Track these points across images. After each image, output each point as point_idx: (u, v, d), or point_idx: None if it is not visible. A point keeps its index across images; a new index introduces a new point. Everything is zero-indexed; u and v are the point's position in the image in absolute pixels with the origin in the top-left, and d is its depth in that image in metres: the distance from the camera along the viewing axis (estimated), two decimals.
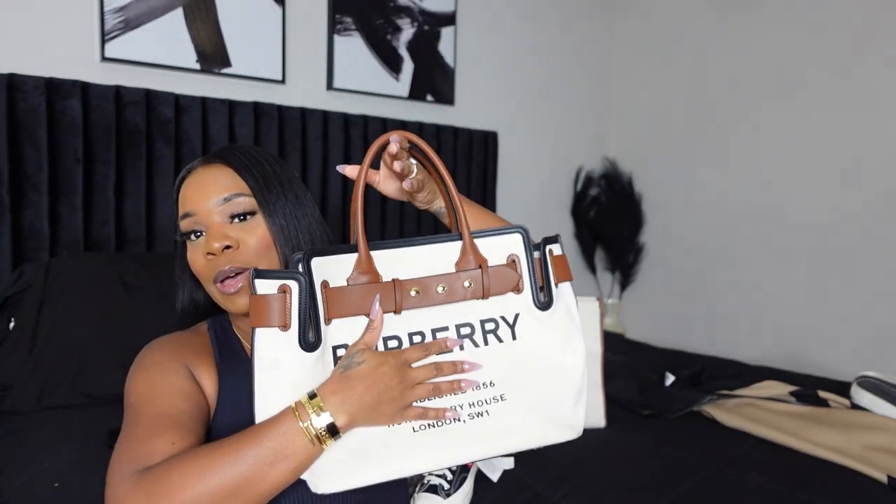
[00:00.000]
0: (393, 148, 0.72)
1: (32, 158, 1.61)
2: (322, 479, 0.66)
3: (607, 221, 3.03)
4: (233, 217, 0.80)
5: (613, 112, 3.23)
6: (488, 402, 0.73)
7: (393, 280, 0.70)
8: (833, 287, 2.45)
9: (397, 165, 0.73)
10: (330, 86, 2.19)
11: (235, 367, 0.82)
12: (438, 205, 0.84)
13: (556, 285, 0.77)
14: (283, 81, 2.07)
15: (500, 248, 0.75)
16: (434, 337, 0.71)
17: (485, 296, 0.73)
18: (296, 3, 2.10)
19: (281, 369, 0.65)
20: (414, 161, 0.78)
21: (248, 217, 0.80)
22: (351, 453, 0.66)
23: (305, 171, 2.09)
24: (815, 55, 2.48)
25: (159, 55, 1.83)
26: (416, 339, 0.71)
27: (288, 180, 0.84)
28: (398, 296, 0.69)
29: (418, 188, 0.77)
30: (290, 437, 0.62)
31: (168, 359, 0.79)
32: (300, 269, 0.66)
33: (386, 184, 0.82)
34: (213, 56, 1.93)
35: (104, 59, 1.74)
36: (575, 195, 3.07)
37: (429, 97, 2.45)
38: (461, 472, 1.07)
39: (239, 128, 1.94)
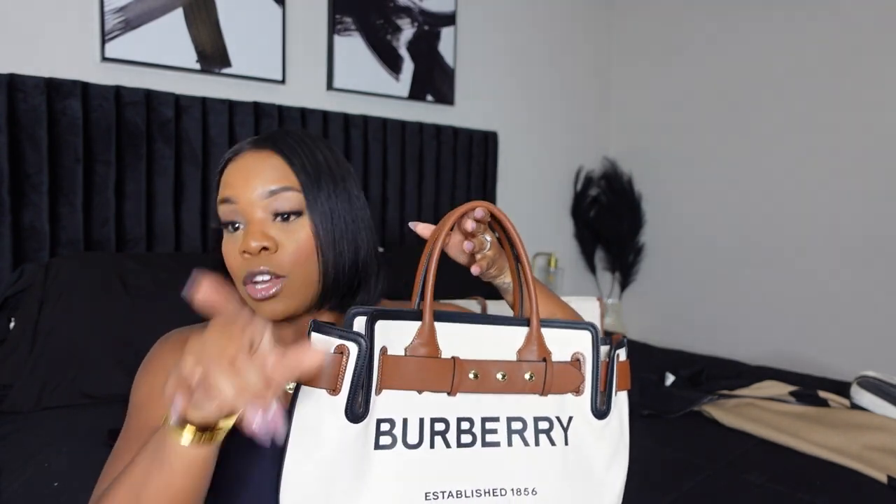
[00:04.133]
0: (468, 226, 0.67)
1: (32, 158, 1.61)
2: None
3: (607, 221, 3.03)
4: (276, 215, 0.72)
5: (613, 112, 3.23)
6: None
7: (453, 358, 0.64)
8: (833, 287, 2.45)
9: (467, 246, 0.68)
10: (330, 86, 2.19)
11: None
12: (503, 280, 0.77)
13: (616, 393, 0.70)
14: (283, 81, 2.08)
15: (565, 343, 0.69)
16: (484, 426, 0.65)
17: (544, 392, 0.67)
18: (296, 3, 2.10)
19: (320, 437, 0.58)
20: (489, 238, 0.72)
21: (293, 217, 0.73)
22: None
23: None
24: (815, 55, 2.48)
25: (159, 55, 1.83)
26: (465, 425, 0.64)
27: (342, 177, 0.76)
28: (456, 376, 0.63)
29: (487, 267, 0.72)
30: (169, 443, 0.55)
31: (176, 363, 0.75)
32: (362, 329, 0.60)
33: (454, 248, 0.74)
34: (213, 56, 1.93)
35: (104, 59, 1.74)
36: (575, 195, 3.07)
37: (429, 97, 2.45)
38: None
39: (239, 128, 1.94)
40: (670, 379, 1.84)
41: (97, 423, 1.29)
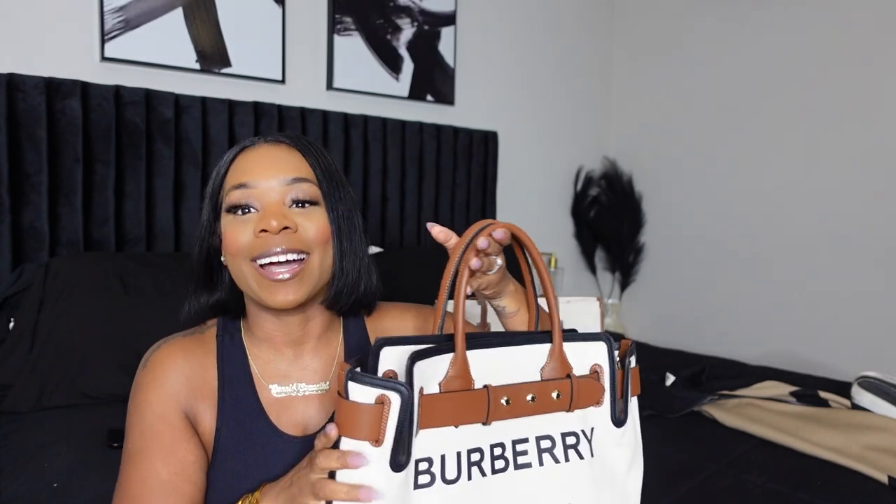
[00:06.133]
0: (482, 243, 0.64)
1: (32, 158, 1.61)
2: None
3: (607, 221, 3.03)
4: (294, 202, 0.74)
5: (613, 112, 3.23)
6: None
7: (486, 387, 0.61)
8: (833, 287, 2.45)
9: (475, 264, 0.65)
10: (330, 86, 2.19)
11: (236, 406, 0.77)
12: (500, 303, 0.76)
13: (630, 399, 0.71)
14: (283, 81, 2.07)
15: (583, 356, 0.69)
16: (514, 449, 0.64)
17: (571, 409, 0.67)
18: (296, 3, 2.10)
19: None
20: (500, 262, 0.71)
21: (309, 206, 0.74)
22: None
23: None
24: (815, 55, 2.48)
25: (159, 55, 1.83)
26: (497, 450, 0.63)
27: (345, 183, 0.80)
28: (491, 405, 0.61)
29: (485, 287, 0.71)
30: None
31: (160, 399, 0.74)
32: (396, 366, 0.58)
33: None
34: (213, 56, 1.93)
35: (104, 59, 1.74)
36: (575, 195, 3.07)
37: (429, 97, 2.45)
38: None
39: (239, 128, 1.94)
40: (670, 379, 1.84)
41: (97, 423, 1.28)
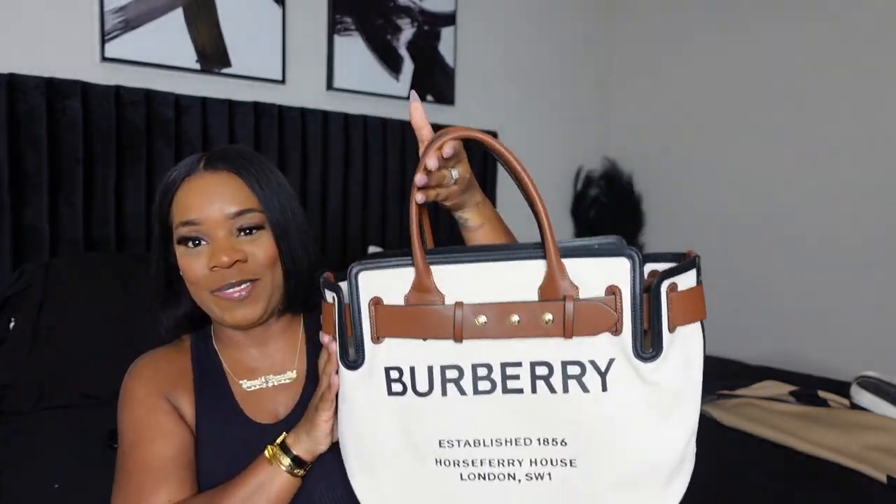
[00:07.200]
0: (431, 163, 0.61)
1: (32, 158, 1.61)
2: None
3: (607, 221, 3.03)
4: (240, 230, 0.78)
5: (613, 112, 3.23)
6: (553, 462, 0.60)
7: (455, 304, 0.59)
8: (833, 287, 2.45)
9: (420, 180, 0.61)
10: (330, 86, 2.19)
11: (213, 401, 0.82)
12: (461, 215, 0.74)
13: (673, 329, 0.57)
14: (283, 81, 2.08)
15: (599, 274, 0.57)
16: (504, 372, 0.59)
17: (567, 335, 0.57)
18: (296, 3, 2.10)
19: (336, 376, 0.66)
20: (455, 174, 0.70)
21: (255, 231, 0.78)
22: (394, 491, 0.64)
23: (305, 171, 2.09)
24: (815, 55, 2.48)
25: (159, 55, 1.83)
26: (482, 371, 0.59)
27: (289, 195, 0.83)
28: (458, 322, 0.58)
29: (444, 197, 0.70)
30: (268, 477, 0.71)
31: (147, 393, 0.80)
32: (345, 281, 0.62)
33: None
34: (213, 56, 1.93)
35: (104, 59, 1.74)
36: (575, 195, 3.07)
37: (429, 97, 2.45)
38: None
39: (239, 128, 1.94)
40: None
41: (97, 423, 1.28)
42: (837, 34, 2.41)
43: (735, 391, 1.69)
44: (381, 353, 0.61)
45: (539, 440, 0.59)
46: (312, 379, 0.84)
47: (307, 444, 0.71)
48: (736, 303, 2.74)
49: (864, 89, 2.35)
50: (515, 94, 2.80)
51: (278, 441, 0.72)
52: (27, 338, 1.44)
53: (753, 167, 2.68)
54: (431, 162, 0.61)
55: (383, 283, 0.61)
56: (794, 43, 2.53)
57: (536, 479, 0.60)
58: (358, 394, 0.63)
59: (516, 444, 0.60)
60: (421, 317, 0.59)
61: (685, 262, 0.58)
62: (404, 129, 2.33)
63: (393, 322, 0.60)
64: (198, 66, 1.90)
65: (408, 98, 2.49)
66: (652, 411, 0.58)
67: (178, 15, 1.86)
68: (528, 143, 2.87)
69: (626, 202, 3.02)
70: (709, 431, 1.50)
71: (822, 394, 1.64)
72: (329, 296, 0.64)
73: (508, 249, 0.61)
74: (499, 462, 0.61)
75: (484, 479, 0.61)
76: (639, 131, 3.11)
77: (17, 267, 1.58)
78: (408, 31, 2.37)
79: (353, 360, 0.62)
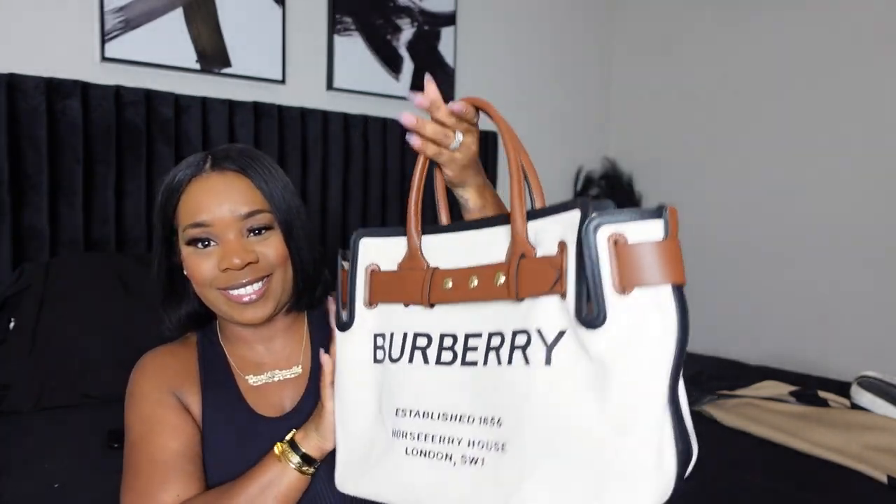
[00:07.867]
0: (441, 114, 0.67)
1: (32, 158, 1.61)
2: (345, 481, 0.67)
3: None
4: (250, 231, 0.78)
5: (613, 112, 3.23)
6: (487, 446, 0.54)
7: (430, 268, 0.60)
8: (833, 287, 2.45)
9: (429, 128, 0.67)
10: (330, 86, 2.19)
11: (219, 396, 0.83)
12: (463, 195, 0.75)
13: (624, 291, 0.47)
14: (283, 81, 2.07)
15: (554, 231, 0.52)
16: (466, 343, 0.57)
17: (511, 295, 0.52)
18: (296, 3, 2.10)
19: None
20: (460, 137, 0.69)
21: (264, 231, 0.79)
22: (360, 458, 0.65)
23: (305, 171, 2.09)
24: (816, 54, 2.48)
25: (159, 55, 1.83)
26: (448, 341, 0.58)
27: (293, 192, 0.83)
28: (429, 286, 0.59)
29: (447, 163, 0.71)
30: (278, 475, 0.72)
31: (154, 388, 0.81)
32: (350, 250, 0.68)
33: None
34: (213, 56, 1.93)
35: (104, 59, 1.74)
36: (575, 195, 3.07)
37: None
38: None
39: (239, 128, 1.94)
40: None
41: (97, 423, 1.29)
42: (838, 33, 2.41)
43: (735, 391, 1.69)
44: (372, 320, 0.65)
45: (480, 419, 0.55)
46: (317, 374, 0.84)
47: (316, 441, 0.71)
48: (736, 303, 2.74)
49: (862, 89, 2.35)
50: (515, 94, 2.80)
51: (287, 438, 0.73)
52: (27, 338, 1.44)
53: (753, 167, 2.68)
54: (442, 113, 0.67)
55: (382, 251, 0.65)
56: (794, 43, 2.53)
57: (471, 463, 0.55)
58: (348, 357, 0.66)
59: (459, 421, 0.56)
60: (402, 281, 0.62)
61: (642, 209, 0.47)
62: (404, 129, 2.33)
63: (384, 287, 0.64)
64: (198, 66, 1.90)
65: (408, 98, 2.48)
66: (589, 396, 0.48)
67: (177, 15, 1.86)
68: (528, 144, 2.83)
69: (627, 202, 3.02)
70: (709, 431, 1.50)
71: (822, 394, 1.64)
72: (344, 264, 0.69)
73: (482, 219, 0.61)
74: (440, 439, 0.57)
75: (424, 455, 0.58)
76: (639, 131, 3.11)
77: (17, 267, 1.58)
78: (408, 31, 2.37)
79: (346, 321, 0.66)
